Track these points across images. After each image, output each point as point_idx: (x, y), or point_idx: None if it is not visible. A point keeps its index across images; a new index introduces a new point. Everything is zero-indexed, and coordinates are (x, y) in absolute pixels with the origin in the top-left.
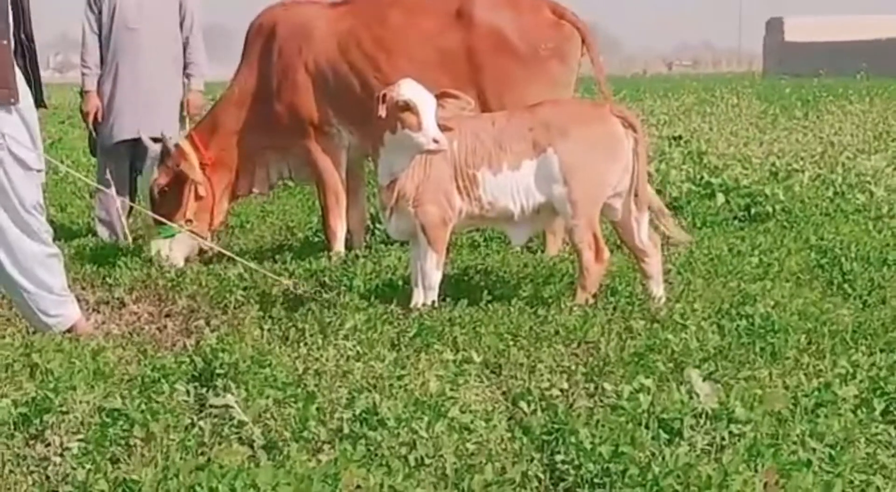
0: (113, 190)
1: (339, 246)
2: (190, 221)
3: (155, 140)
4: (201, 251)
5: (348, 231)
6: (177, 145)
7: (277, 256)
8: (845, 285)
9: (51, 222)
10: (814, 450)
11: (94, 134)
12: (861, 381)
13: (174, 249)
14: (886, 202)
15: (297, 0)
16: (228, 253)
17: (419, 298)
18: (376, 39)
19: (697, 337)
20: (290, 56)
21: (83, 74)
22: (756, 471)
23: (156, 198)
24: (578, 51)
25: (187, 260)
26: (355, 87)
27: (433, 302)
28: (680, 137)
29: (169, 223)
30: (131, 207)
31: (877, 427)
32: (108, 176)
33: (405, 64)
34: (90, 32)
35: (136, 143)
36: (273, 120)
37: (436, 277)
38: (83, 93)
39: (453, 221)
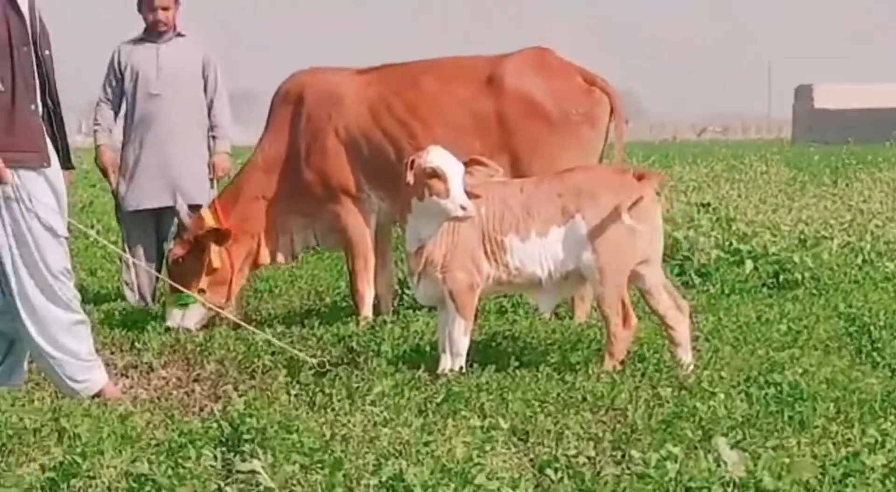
0: (141, 253)
1: (367, 311)
2: (203, 290)
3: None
4: (220, 319)
5: (376, 296)
6: (198, 215)
7: (306, 321)
8: (874, 353)
9: (80, 286)
10: None
11: (115, 196)
12: (890, 450)
13: (187, 317)
14: None
15: (324, 67)
16: (245, 325)
17: (447, 363)
18: (408, 105)
19: (725, 405)
20: (319, 122)
21: (94, 132)
22: None
23: (171, 267)
24: (608, 116)
25: (205, 327)
26: (387, 152)
27: (461, 368)
28: (709, 204)
29: (186, 291)
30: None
31: None
32: (132, 242)
33: (438, 130)
34: (104, 98)
35: (162, 209)
36: (301, 186)
37: (464, 343)
38: (96, 148)
39: (481, 286)
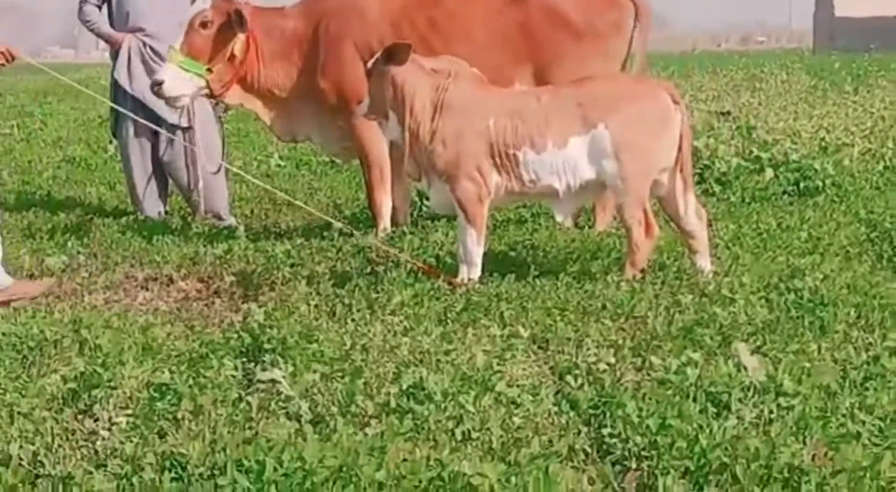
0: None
1: (385, 222)
2: (210, 70)
3: None
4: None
5: (393, 207)
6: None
7: (325, 233)
8: (895, 259)
9: (98, 200)
10: (863, 423)
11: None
12: None
13: (177, 79)
14: None
15: None
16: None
17: (464, 273)
18: (430, 20)
19: (745, 311)
20: (339, 30)
21: (92, 25)
22: (804, 444)
23: (197, 29)
24: (632, 25)
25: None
26: None
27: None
28: (729, 113)
29: (196, 62)
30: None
31: None
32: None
33: (460, 45)
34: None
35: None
36: (316, 91)
37: (477, 252)
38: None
39: (491, 196)
